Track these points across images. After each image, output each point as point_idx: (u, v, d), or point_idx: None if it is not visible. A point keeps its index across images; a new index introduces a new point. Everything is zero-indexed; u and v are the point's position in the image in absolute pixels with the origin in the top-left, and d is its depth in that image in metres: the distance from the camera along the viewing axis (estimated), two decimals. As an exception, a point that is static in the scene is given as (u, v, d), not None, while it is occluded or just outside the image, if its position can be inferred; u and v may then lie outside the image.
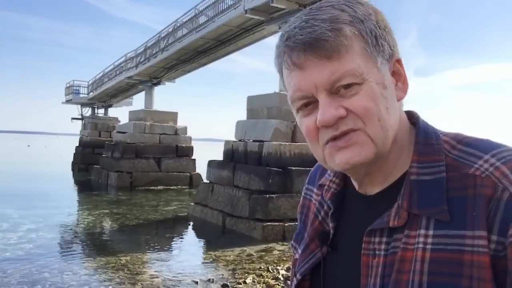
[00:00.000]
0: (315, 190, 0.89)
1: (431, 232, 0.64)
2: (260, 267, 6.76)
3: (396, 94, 0.71)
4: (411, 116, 0.76)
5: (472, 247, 0.61)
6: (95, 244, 8.45)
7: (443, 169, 0.67)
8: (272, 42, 15.29)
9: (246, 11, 11.96)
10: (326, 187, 0.83)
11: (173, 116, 20.78)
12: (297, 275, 0.82)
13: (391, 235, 0.68)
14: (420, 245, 0.64)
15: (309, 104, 0.69)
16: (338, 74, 0.65)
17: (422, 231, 0.65)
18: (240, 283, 5.95)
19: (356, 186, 0.78)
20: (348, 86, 0.66)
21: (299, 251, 0.85)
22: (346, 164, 0.68)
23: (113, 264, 6.74)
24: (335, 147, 0.68)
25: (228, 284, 5.89)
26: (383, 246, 0.68)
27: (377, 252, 0.69)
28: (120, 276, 6.19)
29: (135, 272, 6.41)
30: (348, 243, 0.76)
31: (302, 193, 0.94)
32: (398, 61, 0.72)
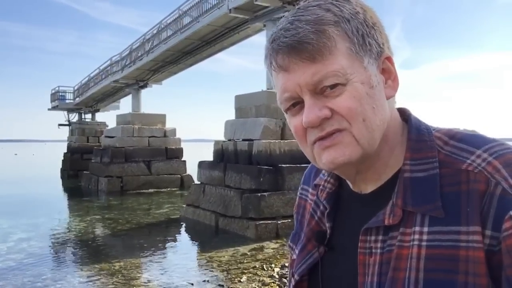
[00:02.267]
0: (310, 190, 0.89)
1: (426, 229, 0.64)
2: (255, 266, 6.76)
3: (385, 92, 0.70)
4: (403, 113, 0.76)
5: (467, 242, 0.61)
6: (88, 251, 8.38)
7: (436, 166, 0.67)
8: (257, 40, 15.30)
9: (230, 10, 11.93)
10: (321, 187, 0.83)
11: (161, 118, 20.69)
12: (295, 276, 0.82)
13: (386, 233, 0.68)
14: (416, 242, 0.64)
15: (297, 104, 0.70)
16: (320, 75, 0.65)
17: (417, 228, 0.65)
18: (236, 283, 5.95)
19: (350, 185, 0.78)
20: (332, 87, 0.66)
21: (296, 252, 0.85)
22: (331, 164, 0.69)
23: (107, 271, 6.69)
24: (321, 146, 0.69)
25: (224, 284, 5.88)
26: (379, 245, 0.68)
27: (373, 251, 0.69)
28: (115, 282, 6.14)
29: (130, 277, 6.37)
30: (345, 243, 0.76)
31: (298, 193, 0.94)
32: (388, 58, 0.71)
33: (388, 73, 0.71)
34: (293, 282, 0.82)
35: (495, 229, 0.60)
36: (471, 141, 0.68)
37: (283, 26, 0.67)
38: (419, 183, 0.67)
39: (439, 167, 0.67)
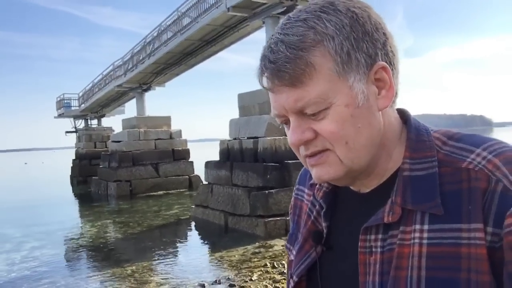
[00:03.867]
0: (306, 190, 0.90)
1: (426, 227, 0.65)
2: (266, 264, 6.78)
3: (378, 103, 0.70)
4: (402, 114, 0.77)
5: (469, 239, 0.62)
6: (100, 256, 8.46)
7: (435, 165, 0.68)
8: (257, 37, 15.26)
9: (228, 9, 11.93)
10: (317, 186, 0.83)
11: (167, 120, 20.76)
12: (294, 277, 0.82)
13: (386, 232, 0.69)
14: (417, 241, 0.65)
15: (286, 122, 0.72)
16: (302, 103, 0.67)
17: (417, 226, 0.66)
18: (247, 281, 5.98)
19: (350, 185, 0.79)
20: (315, 114, 0.68)
21: (294, 252, 0.85)
22: (319, 179, 0.72)
23: (120, 275, 6.76)
24: (309, 163, 0.72)
25: (235, 283, 5.91)
26: (379, 243, 0.69)
27: (373, 250, 0.69)
28: (127, 286, 6.21)
29: (142, 281, 6.43)
30: (343, 242, 0.76)
31: (293, 194, 0.95)
32: (384, 68, 0.69)
33: (383, 83, 0.70)
34: (292, 284, 0.82)
35: (497, 226, 0.61)
36: (469, 140, 0.69)
37: (270, 45, 0.68)
38: (419, 182, 0.68)
39: (438, 166, 0.68)
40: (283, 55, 0.65)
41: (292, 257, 0.86)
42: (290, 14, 0.70)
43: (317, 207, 0.82)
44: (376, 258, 0.69)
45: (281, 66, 0.65)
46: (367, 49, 0.67)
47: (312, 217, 0.82)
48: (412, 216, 0.67)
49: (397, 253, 0.66)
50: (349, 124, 0.67)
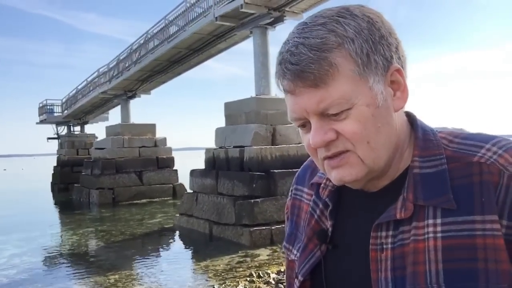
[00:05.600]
0: (305, 190, 0.90)
1: (439, 221, 0.67)
2: (251, 273, 6.74)
3: (394, 104, 0.72)
4: (408, 116, 0.79)
5: (484, 231, 0.64)
6: (82, 265, 8.30)
7: (444, 162, 0.71)
8: (245, 47, 15.34)
9: (216, 18, 11.97)
10: (322, 185, 0.84)
11: (151, 128, 20.61)
12: (299, 277, 0.82)
13: (396, 228, 0.70)
14: (431, 235, 0.67)
15: (305, 125, 0.73)
16: (325, 104, 0.67)
17: (430, 221, 0.67)
18: (232, 291, 5.93)
19: None
20: (337, 114, 0.69)
21: (294, 252, 0.86)
22: (340, 181, 0.73)
23: (102, 283, 6.64)
24: (329, 165, 0.72)
25: (220, 293, 5.86)
26: (389, 240, 0.70)
27: (384, 246, 0.71)
28: (110, 295, 6.10)
29: (125, 289, 6.32)
30: (348, 240, 0.77)
31: (291, 194, 0.95)
32: (398, 70, 0.71)
33: (398, 85, 0.72)
34: (297, 283, 0.83)
35: (511, 219, 0.64)
36: (476, 137, 0.72)
37: (289, 48, 0.69)
38: (429, 178, 0.70)
39: (447, 163, 0.70)
40: (306, 56, 0.66)
41: (292, 257, 0.87)
42: (305, 20, 0.71)
43: (321, 206, 0.83)
44: (387, 254, 0.70)
45: (306, 67, 0.66)
46: (383, 52, 0.70)
47: (316, 216, 0.83)
48: (424, 212, 0.69)
49: (413, 249, 0.67)
50: (371, 124, 0.69)
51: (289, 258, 0.88)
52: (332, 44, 0.67)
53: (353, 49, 0.67)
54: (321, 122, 0.70)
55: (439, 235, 0.66)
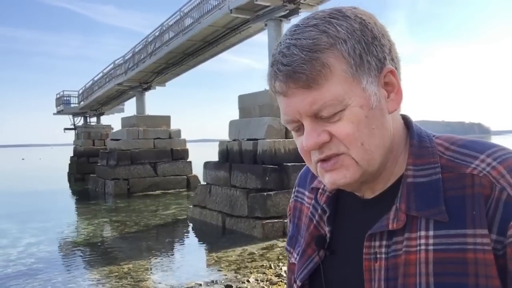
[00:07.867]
0: (306, 193, 0.89)
1: (431, 233, 0.66)
2: (263, 265, 6.79)
3: (388, 106, 0.71)
4: (404, 120, 0.77)
5: (475, 245, 0.63)
6: (97, 254, 8.44)
7: (438, 171, 0.69)
8: (260, 39, 15.29)
9: (231, 10, 11.94)
10: (320, 190, 0.83)
11: (166, 120, 20.75)
12: (297, 282, 0.82)
13: (390, 238, 0.69)
14: (423, 247, 0.65)
15: (298, 128, 0.72)
16: (318, 105, 0.66)
17: (423, 233, 0.66)
18: (244, 282, 5.98)
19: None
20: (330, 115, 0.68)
21: (295, 255, 0.85)
22: (333, 185, 0.71)
23: (116, 273, 6.75)
24: (323, 168, 0.71)
25: (232, 284, 5.91)
26: (383, 250, 0.69)
27: (378, 256, 0.70)
28: (124, 285, 6.20)
29: (138, 279, 6.42)
30: (346, 247, 0.76)
31: (293, 196, 0.94)
32: (392, 72, 0.70)
33: (392, 86, 0.71)
34: None
35: (500, 234, 0.62)
36: (472, 146, 0.70)
37: (281, 50, 0.68)
38: (422, 188, 0.68)
39: (441, 172, 0.68)
40: (298, 57, 0.65)
41: (293, 260, 0.86)
42: (298, 22, 0.71)
43: (320, 211, 0.82)
44: (381, 264, 0.69)
45: (297, 68, 0.65)
46: (376, 53, 0.69)
47: (315, 221, 0.82)
48: (417, 223, 0.67)
49: (404, 260, 0.66)
50: (364, 125, 0.68)
51: (290, 261, 0.88)
52: (324, 45, 0.66)
53: (345, 49, 0.66)
54: (314, 124, 0.68)
55: (430, 247, 0.65)
